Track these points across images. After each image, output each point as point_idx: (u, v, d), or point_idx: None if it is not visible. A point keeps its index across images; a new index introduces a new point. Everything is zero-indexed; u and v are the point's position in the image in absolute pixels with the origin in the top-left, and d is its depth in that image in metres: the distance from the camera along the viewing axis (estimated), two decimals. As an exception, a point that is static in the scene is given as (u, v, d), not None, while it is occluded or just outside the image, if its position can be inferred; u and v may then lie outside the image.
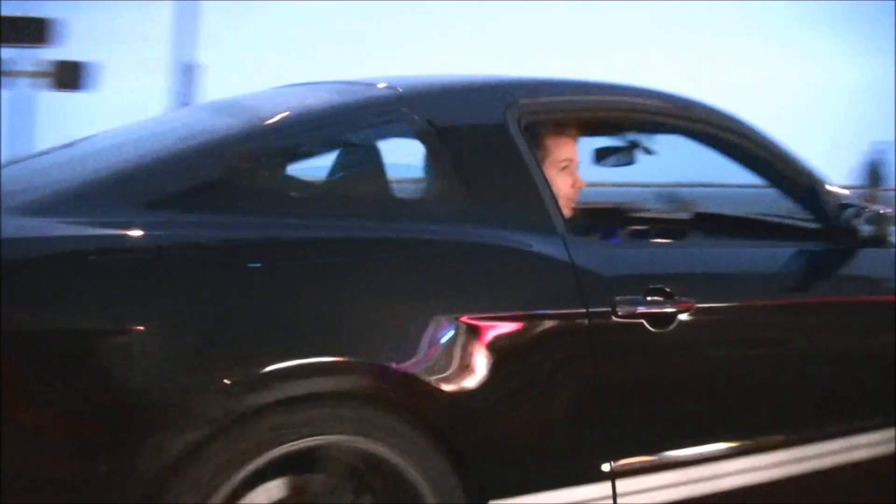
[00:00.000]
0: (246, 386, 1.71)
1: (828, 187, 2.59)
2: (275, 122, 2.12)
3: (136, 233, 1.79)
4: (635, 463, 2.14)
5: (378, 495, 1.89)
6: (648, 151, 2.71)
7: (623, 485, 2.11)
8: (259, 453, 1.75)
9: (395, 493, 1.88)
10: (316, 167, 2.24)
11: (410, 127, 2.16)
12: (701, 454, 2.24)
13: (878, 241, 2.56)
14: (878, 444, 2.52)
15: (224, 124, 2.15)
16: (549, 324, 2.04)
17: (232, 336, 1.74)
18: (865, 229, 2.52)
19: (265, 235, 1.89)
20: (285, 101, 2.36)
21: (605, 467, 2.09)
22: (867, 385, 2.50)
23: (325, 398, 1.80)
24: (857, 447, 2.48)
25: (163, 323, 1.69)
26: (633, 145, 2.76)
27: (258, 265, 1.83)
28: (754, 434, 2.32)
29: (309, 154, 2.15)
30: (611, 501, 2.10)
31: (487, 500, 1.96)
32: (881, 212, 2.55)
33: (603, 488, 2.09)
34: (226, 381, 1.70)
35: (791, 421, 2.37)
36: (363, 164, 2.17)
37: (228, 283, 1.78)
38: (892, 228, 2.59)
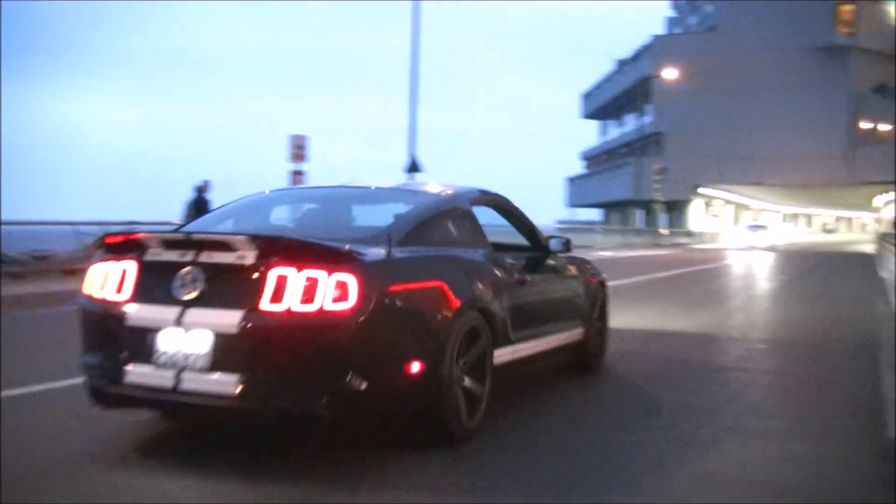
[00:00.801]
0: (463, 306, 4.89)
1: (540, 229, 6.54)
2: (430, 209, 5.27)
3: (417, 254, 4.88)
4: (519, 336, 5.63)
5: (476, 345, 5.12)
6: None
7: (516, 346, 5.61)
8: (469, 326, 4.98)
9: (480, 341, 5.11)
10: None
11: (456, 209, 5.50)
12: (534, 334, 5.99)
13: (565, 251, 6.58)
14: (574, 332, 6.82)
15: (407, 203, 5.43)
16: (500, 282, 5.46)
17: (460, 288, 4.91)
18: (555, 247, 6.48)
19: (449, 255, 5.10)
20: (419, 198, 5.51)
21: (513, 338, 5.54)
22: (566, 308, 6.64)
23: (476, 309, 5.05)
24: (569, 334, 6.73)
25: (444, 285, 4.82)
26: None
27: (458, 267, 5.04)
28: (548, 325, 6.22)
29: (445, 219, 5.34)
30: (513, 354, 5.58)
31: (493, 350, 5.25)
32: (566, 238, 6.57)
33: (511, 348, 5.53)
34: (460, 304, 4.90)
35: (554, 321, 6.42)
36: (452, 224, 5.39)
37: (456, 273, 5.00)
38: (571, 245, 6.74)
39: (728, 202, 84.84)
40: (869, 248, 54.22)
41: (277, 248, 4.28)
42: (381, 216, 5.26)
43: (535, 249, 6.56)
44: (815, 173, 70.15)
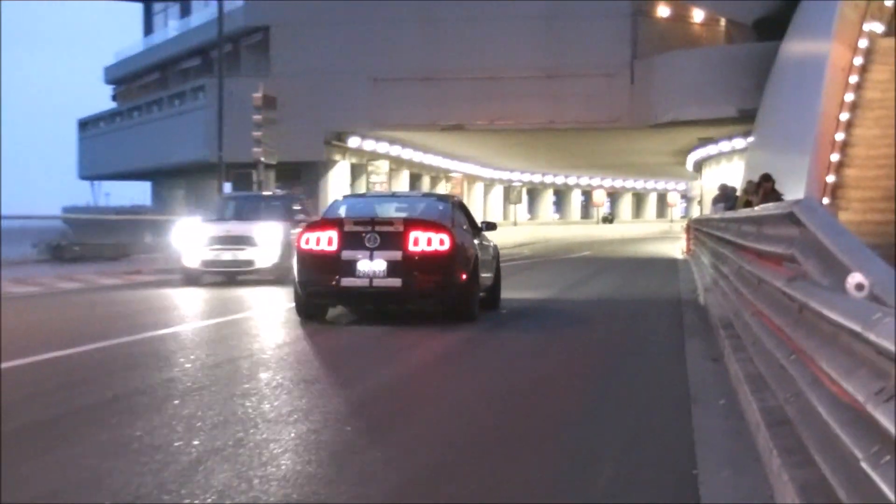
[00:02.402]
0: (475, 253, 26.15)
1: (478, 221, 29.40)
2: (449, 206, 27.70)
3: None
4: (482, 272, 26.76)
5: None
6: None
7: (481, 276, 26.55)
8: (476, 261, 25.99)
9: (478, 270, 26.63)
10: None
11: (455, 205, 28.46)
12: (484, 273, 27.34)
13: (488, 230, 29.58)
14: (490, 276, 28.38)
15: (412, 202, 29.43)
16: (477, 244, 27.00)
17: (473, 245, 26.42)
18: (484, 228, 28.88)
19: (465, 229, 27.12)
20: (439, 201, 28.74)
21: (480, 272, 26.40)
22: (489, 263, 28.16)
23: (476, 255, 26.35)
24: (489, 276, 28.25)
25: (472, 242, 26.50)
26: None
27: (470, 235, 27.00)
28: (485, 270, 27.58)
29: (458, 210, 28.03)
30: (481, 280, 26.55)
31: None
32: (491, 222, 30.49)
33: (481, 276, 26.55)
34: (474, 252, 26.23)
35: (486, 269, 27.84)
36: (459, 212, 27.88)
37: (471, 237, 26.79)
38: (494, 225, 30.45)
39: (403, 165, 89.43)
40: (674, 248, 62.25)
41: (414, 223, 24.54)
42: (426, 208, 26.76)
43: (475, 228, 26.98)
44: (570, 108, 75.97)
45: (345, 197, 31.30)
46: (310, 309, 25.31)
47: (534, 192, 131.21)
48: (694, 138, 79.50)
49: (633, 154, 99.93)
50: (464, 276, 24.46)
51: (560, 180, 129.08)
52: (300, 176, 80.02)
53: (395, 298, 24.69)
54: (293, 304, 25.64)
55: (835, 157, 40.77)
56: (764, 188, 34.29)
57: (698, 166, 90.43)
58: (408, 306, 25.50)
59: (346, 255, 24.02)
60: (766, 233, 14.95)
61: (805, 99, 45.69)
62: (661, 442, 11.54)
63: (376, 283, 23.90)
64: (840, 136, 41.54)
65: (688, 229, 57.34)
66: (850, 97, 43.04)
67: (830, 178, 39.84)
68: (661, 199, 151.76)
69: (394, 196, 32.98)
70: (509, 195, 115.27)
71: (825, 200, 37.32)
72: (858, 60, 44.41)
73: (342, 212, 27.01)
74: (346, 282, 23.97)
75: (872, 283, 7.39)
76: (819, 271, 9.67)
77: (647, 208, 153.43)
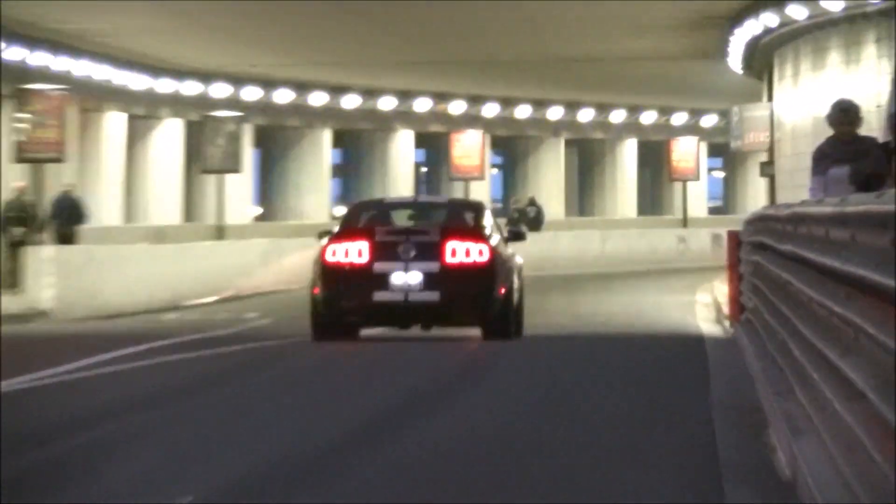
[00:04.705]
0: (516, 265, 45.25)
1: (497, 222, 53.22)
2: (487, 212, 49.29)
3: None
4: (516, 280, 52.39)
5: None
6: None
7: (514, 284, 48.27)
8: (514, 274, 45.56)
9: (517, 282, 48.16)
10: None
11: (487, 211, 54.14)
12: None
13: (516, 239, 51.25)
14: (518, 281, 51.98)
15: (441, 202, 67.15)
16: (514, 256, 51.63)
17: (512, 257, 46.55)
18: (510, 237, 49.24)
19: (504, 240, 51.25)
20: (477, 204, 52.27)
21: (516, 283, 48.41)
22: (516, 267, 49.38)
23: (516, 269, 50.23)
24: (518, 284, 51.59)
25: (512, 254, 46.67)
26: None
27: (509, 246, 49.09)
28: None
29: (493, 218, 53.60)
30: (516, 290, 48.67)
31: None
32: (518, 230, 59.98)
33: (517, 285, 47.40)
34: (515, 264, 46.47)
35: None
36: (495, 221, 50.87)
37: (510, 249, 52.29)
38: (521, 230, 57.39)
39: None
40: (690, 305, 51.74)
41: (449, 232, 39.02)
42: (460, 214, 44.26)
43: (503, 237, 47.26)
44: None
45: (362, 202, 52.07)
46: (332, 329, 34.45)
47: (286, 137, 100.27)
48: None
49: (579, 32, 72.18)
50: (503, 291, 35.24)
51: (365, 103, 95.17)
52: None
53: (433, 314, 35.13)
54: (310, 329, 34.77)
55: None
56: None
57: (762, 63, 65.26)
58: (445, 323, 35.82)
59: (378, 267, 34.14)
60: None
61: None
62: None
63: (412, 297, 34.22)
64: None
65: (732, 248, 38.89)
66: None
67: None
68: (655, 157, 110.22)
69: (415, 201, 52.52)
70: (208, 143, 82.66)
71: None
72: None
73: (368, 218, 38.30)
74: (379, 296, 33.93)
75: None
76: None
77: (616, 187, 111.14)
